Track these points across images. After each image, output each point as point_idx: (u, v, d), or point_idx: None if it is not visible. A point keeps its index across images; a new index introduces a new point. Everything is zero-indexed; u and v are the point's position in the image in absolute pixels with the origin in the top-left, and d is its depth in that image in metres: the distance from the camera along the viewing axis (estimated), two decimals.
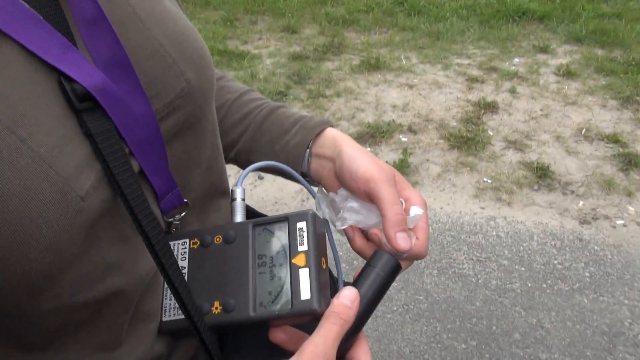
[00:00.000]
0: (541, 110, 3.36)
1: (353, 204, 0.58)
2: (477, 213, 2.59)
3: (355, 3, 5.01)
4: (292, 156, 0.64)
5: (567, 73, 3.73)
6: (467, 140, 3.07)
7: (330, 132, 0.64)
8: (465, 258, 2.35)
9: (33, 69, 0.38)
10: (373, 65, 3.91)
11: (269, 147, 0.66)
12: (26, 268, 0.37)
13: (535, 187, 2.74)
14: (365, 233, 0.58)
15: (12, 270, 0.36)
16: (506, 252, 2.37)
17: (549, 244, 2.41)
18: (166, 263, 0.45)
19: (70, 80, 0.39)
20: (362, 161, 0.56)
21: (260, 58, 4.12)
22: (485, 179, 2.80)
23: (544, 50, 4.09)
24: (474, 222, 2.53)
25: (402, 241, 0.52)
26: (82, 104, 0.40)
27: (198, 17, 4.87)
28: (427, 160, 2.94)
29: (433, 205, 2.63)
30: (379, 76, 3.81)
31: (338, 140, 0.61)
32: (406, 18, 4.72)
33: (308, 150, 0.63)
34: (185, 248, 0.53)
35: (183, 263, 0.53)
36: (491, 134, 3.15)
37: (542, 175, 2.80)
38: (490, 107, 3.38)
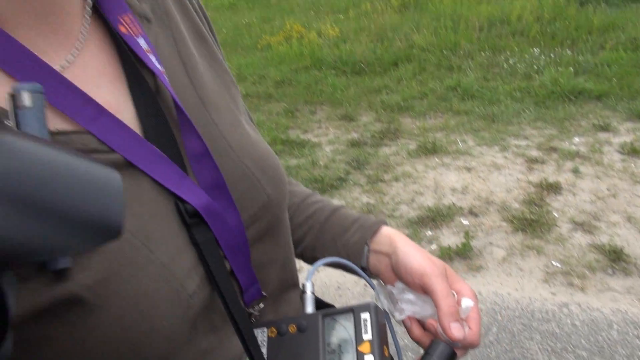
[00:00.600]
0: (608, 189, 3.26)
1: (409, 296, 0.64)
2: (548, 299, 2.47)
3: (410, 90, 5.19)
4: (353, 252, 0.71)
5: (632, 151, 3.64)
6: (531, 222, 3.00)
7: (385, 230, 0.71)
8: (538, 348, 2.22)
9: (157, 193, 0.48)
10: (430, 149, 3.97)
11: (332, 244, 0.74)
12: (148, 354, 0.44)
13: (610, 271, 2.61)
14: (422, 323, 0.64)
15: (137, 354, 0.44)
16: (583, 342, 2.23)
17: (630, 333, 2.25)
18: (253, 350, 0.52)
19: (183, 201, 0.49)
20: (416, 257, 0.63)
21: (320, 146, 4.30)
22: (554, 263, 2.70)
23: (605, 128, 4.03)
24: (545, 309, 2.42)
25: (456, 331, 0.57)
26: (191, 220, 0.49)
27: (262, 109, 5.18)
28: (491, 243, 2.88)
29: (500, 291, 2.55)
30: (437, 160, 3.86)
31: (393, 238, 0.68)
32: (460, 102, 4.82)
33: (367, 246, 0.70)
34: (264, 336, 0.59)
35: (263, 350, 0.58)
36: (556, 215, 3.07)
37: (615, 258, 2.66)
38: (553, 188, 3.32)
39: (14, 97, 0.38)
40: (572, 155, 3.70)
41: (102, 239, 0.32)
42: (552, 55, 5.46)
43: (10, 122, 0.38)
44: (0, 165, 0.28)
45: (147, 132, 0.49)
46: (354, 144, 4.24)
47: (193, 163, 0.52)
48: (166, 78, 0.52)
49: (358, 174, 3.77)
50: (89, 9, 0.49)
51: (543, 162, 3.67)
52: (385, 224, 0.72)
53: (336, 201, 3.44)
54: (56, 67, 0.44)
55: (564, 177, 3.45)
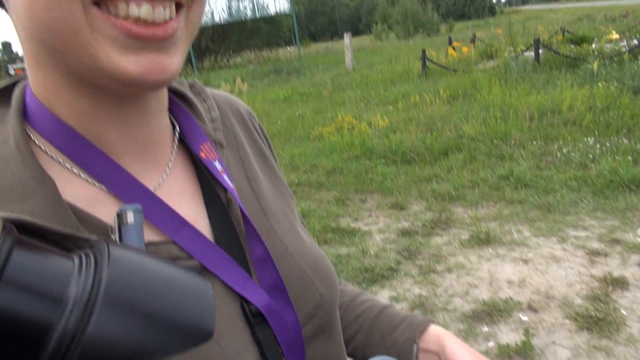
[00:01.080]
0: None
1: None
2: None
3: (460, 179, 5.18)
4: (402, 351, 0.73)
5: None
6: (597, 320, 2.80)
7: (433, 328, 0.73)
8: None
9: (226, 294, 0.53)
10: (483, 240, 3.87)
11: (381, 343, 0.76)
12: None
13: None
14: None
15: None
16: None
17: None
18: None
19: (248, 302, 0.54)
20: (465, 356, 0.65)
21: (370, 234, 4.28)
22: None
23: None
24: None
25: None
26: (254, 319, 0.54)
27: (313, 197, 5.28)
28: (554, 342, 2.70)
29: None
30: (491, 250, 3.74)
31: (441, 337, 0.70)
32: (513, 192, 4.74)
33: (415, 345, 0.71)
34: None
35: None
36: (625, 313, 2.86)
37: None
38: (619, 283, 3.12)
39: (120, 216, 0.45)
40: (638, 247, 3.50)
41: (196, 342, 0.35)
42: (607, 144, 5.36)
43: (115, 237, 0.45)
44: (110, 275, 0.32)
45: (219, 239, 0.56)
46: (405, 233, 4.20)
47: (256, 266, 0.57)
48: (235, 193, 0.60)
49: (409, 264, 3.70)
50: (176, 141, 0.59)
51: (606, 254, 3.48)
52: (433, 322, 0.75)
53: (387, 292, 3.36)
54: (150, 188, 0.53)
55: (631, 272, 3.24)
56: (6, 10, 0.48)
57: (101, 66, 0.42)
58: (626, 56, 8.73)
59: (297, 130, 8.12)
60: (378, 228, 4.40)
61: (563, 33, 14.63)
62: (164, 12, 0.43)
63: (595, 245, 3.62)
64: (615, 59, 8.84)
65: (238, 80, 14.92)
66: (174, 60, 0.45)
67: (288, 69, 18.46)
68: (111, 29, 0.42)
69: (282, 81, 16.03)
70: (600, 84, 7.26)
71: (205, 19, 21.01)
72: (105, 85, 0.45)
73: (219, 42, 29.00)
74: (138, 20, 0.42)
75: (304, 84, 13.98)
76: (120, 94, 0.48)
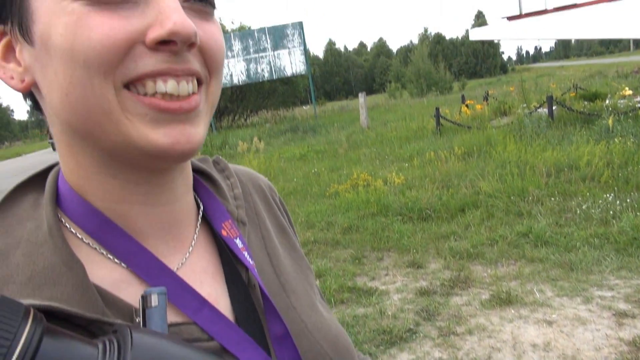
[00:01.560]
0: None
1: None
2: None
3: (479, 236, 5.10)
4: None
5: None
6: None
7: None
8: None
9: None
10: (504, 300, 3.76)
11: None
12: None
13: None
14: None
15: None
16: None
17: None
18: None
19: None
20: None
21: (387, 294, 4.19)
22: None
23: None
24: None
25: None
26: None
27: (329, 256, 5.23)
28: None
29: None
30: (513, 311, 3.62)
31: None
32: (533, 249, 4.64)
33: None
34: None
35: None
36: None
37: None
38: None
39: (145, 299, 0.47)
40: None
41: None
42: (628, 200, 5.27)
43: (139, 319, 0.46)
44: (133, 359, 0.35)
45: (239, 318, 0.57)
46: (423, 292, 4.10)
47: (275, 344, 0.58)
48: (256, 270, 0.61)
49: (428, 326, 3.59)
50: (200, 219, 0.61)
51: (634, 316, 3.34)
52: None
53: (406, 355, 3.25)
54: (173, 268, 0.55)
55: None
56: (40, 109, 0.53)
57: (132, 141, 0.46)
58: None
59: (312, 188, 8.17)
60: (395, 287, 4.31)
61: (576, 90, 14.78)
62: (187, 86, 0.47)
63: (622, 306, 3.49)
64: (630, 114, 8.85)
65: (255, 138, 15.21)
66: (198, 131, 0.48)
67: (304, 127, 18.82)
68: (141, 106, 0.45)
69: (298, 139, 16.31)
70: (616, 140, 7.23)
71: (225, 81, 21.76)
72: (136, 161, 0.49)
73: (237, 102, 29.85)
74: (165, 96, 0.46)
75: (319, 142, 14.19)
76: (149, 171, 0.51)
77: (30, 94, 0.52)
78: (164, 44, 0.45)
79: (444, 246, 5.02)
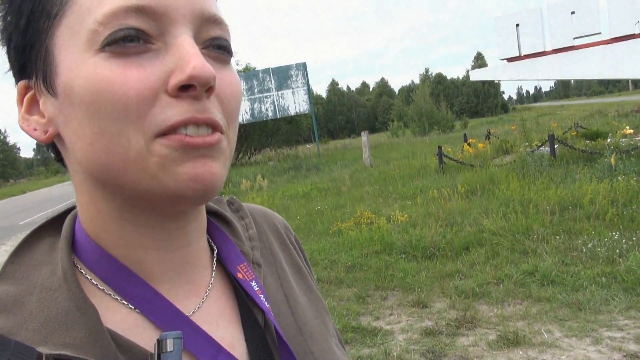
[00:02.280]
0: None
1: None
2: None
3: (484, 275, 5.04)
4: None
5: None
6: None
7: None
8: None
9: None
10: (512, 341, 3.68)
11: None
12: None
13: None
14: None
15: None
16: None
17: None
18: None
19: None
20: None
21: (392, 334, 4.11)
22: None
23: None
24: None
25: None
26: None
27: (333, 294, 5.16)
28: None
29: None
30: (521, 352, 3.54)
31: None
32: (540, 288, 4.58)
33: None
34: None
35: None
36: None
37: None
38: None
39: (160, 343, 0.46)
40: None
41: None
42: (634, 238, 5.23)
43: None
44: None
45: None
46: (429, 332, 4.03)
47: None
48: (272, 314, 0.60)
49: None
50: (215, 263, 0.61)
51: None
52: None
53: None
54: (188, 313, 0.55)
55: None
56: (62, 160, 0.54)
57: (159, 181, 0.46)
58: None
59: (316, 226, 8.14)
60: (400, 327, 4.23)
61: (577, 128, 14.90)
62: (206, 129, 0.47)
63: (633, 347, 3.41)
64: (632, 153, 8.88)
65: (259, 177, 15.28)
66: (220, 166, 0.49)
67: (307, 165, 18.92)
68: (166, 147, 0.46)
69: (302, 177, 16.37)
70: (619, 178, 7.24)
71: None
72: (156, 204, 0.49)
73: (242, 141, 30.14)
74: (187, 134, 0.46)
75: (322, 180, 14.23)
76: (165, 215, 0.52)
77: (53, 144, 0.53)
78: (185, 89, 0.46)
79: (449, 285, 4.96)
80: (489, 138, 15.31)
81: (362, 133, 17.20)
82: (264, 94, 22.63)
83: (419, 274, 5.37)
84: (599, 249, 5.11)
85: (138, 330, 0.51)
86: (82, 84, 0.45)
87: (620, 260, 4.80)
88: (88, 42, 0.45)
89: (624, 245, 5.09)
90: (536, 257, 5.25)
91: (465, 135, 18.20)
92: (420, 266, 5.58)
